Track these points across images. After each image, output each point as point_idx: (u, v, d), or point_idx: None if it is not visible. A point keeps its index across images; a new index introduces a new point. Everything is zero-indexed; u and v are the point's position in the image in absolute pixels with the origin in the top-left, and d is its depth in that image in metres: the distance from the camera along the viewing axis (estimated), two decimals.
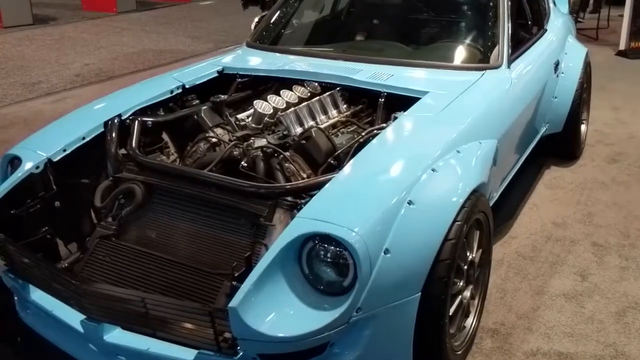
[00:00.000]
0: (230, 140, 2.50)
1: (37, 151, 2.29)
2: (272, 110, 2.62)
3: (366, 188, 1.93)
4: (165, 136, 2.67)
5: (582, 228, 3.24)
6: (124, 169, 2.36)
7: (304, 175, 2.31)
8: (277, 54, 3.26)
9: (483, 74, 2.82)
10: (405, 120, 2.36)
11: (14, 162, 2.33)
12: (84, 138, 2.41)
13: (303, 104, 2.67)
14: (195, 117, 2.63)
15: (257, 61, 3.18)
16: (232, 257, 2.04)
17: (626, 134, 4.61)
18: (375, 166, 2.06)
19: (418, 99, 2.57)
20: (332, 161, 2.34)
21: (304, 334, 1.67)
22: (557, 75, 3.67)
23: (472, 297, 2.31)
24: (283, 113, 2.57)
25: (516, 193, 3.44)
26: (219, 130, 2.60)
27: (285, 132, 2.53)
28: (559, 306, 2.58)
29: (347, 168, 2.03)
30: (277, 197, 2.04)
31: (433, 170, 2.03)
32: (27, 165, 2.23)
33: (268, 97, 2.69)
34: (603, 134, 4.61)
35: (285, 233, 1.78)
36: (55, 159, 2.30)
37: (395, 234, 1.80)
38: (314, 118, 2.67)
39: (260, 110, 2.59)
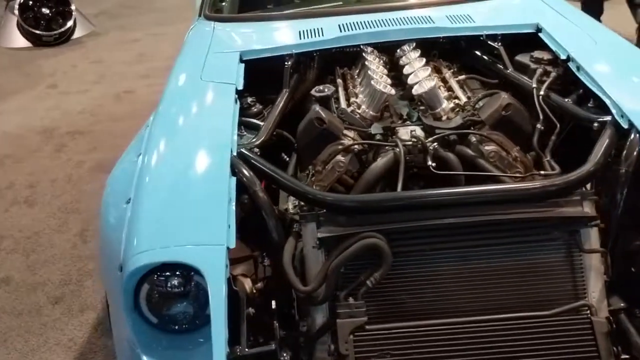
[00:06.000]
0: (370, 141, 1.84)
1: (211, 244, 1.36)
2: (393, 90, 2.00)
3: None
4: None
5: None
6: (308, 222, 1.56)
7: (515, 155, 1.80)
8: (270, 22, 2.51)
9: None
10: (591, 60, 1.96)
11: (156, 280, 1.38)
12: (230, 199, 1.51)
13: (420, 70, 2.08)
14: (319, 124, 1.85)
15: (267, 36, 2.41)
16: (562, 284, 1.52)
17: None
18: None
19: (525, 34, 2.23)
20: (541, 127, 1.87)
21: None
22: None
23: None
24: (427, 89, 1.95)
25: None
26: (349, 133, 1.89)
27: (429, 111, 1.95)
28: None
29: None
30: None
31: None
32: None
33: (369, 71, 2.05)
34: None
35: None
36: (232, 247, 1.40)
37: None
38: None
39: (384, 91, 1.94)
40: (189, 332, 1.42)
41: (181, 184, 1.57)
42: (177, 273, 1.39)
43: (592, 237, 1.55)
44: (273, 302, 1.48)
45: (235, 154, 1.67)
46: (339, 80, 2.23)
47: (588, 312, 1.48)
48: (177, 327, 1.42)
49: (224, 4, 2.76)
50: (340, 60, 2.37)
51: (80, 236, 2.81)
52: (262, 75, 2.18)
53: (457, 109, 1.92)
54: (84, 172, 3.42)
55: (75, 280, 2.51)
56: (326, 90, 2.02)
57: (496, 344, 1.43)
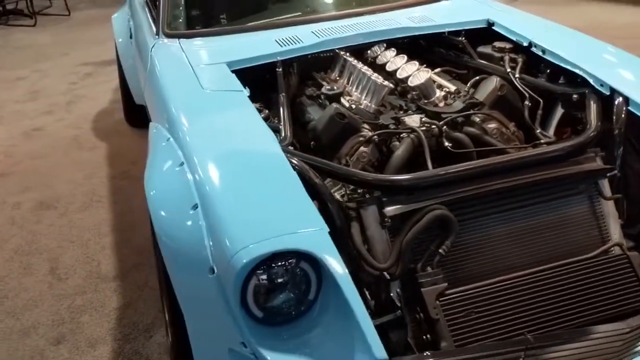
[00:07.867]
0: (396, 128, 1.99)
1: (313, 228, 1.41)
2: (391, 84, 2.16)
3: None
4: None
5: None
6: (369, 205, 1.66)
7: (512, 130, 2.04)
8: (241, 34, 2.57)
9: None
10: (551, 43, 2.24)
11: (261, 273, 1.40)
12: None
13: (407, 65, 2.26)
14: (341, 118, 1.94)
15: (247, 47, 2.44)
16: (594, 229, 1.76)
17: None
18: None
19: (479, 29, 2.51)
20: (529, 104, 2.11)
21: None
22: None
23: None
24: (424, 80, 2.12)
25: None
26: (366, 126, 2.02)
27: (424, 100, 2.13)
28: None
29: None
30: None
31: None
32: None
33: (362, 69, 2.20)
34: None
35: None
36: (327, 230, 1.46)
37: None
38: None
39: (385, 84, 2.11)
40: (294, 322, 1.44)
41: (251, 181, 1.60)
42: (280, 264, 1.42)
43: (607, 187, 1.81)
44: (386, 274, 1.55)
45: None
46: (324, 83, 2.34)
47: (620, 250, 1.72)
48: (281, 318, 1.44)
49: (179, 21, 2.76)
50: (315, 65, 2.49)
51: (52, 275, 2.63)
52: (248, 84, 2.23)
53: (453, 96, 2.12)
54: (25, 212, 3.18)
55: (68, 318, 2.35)
56: (335, 88, 2.14)
57: (555, 288, 1.61)
